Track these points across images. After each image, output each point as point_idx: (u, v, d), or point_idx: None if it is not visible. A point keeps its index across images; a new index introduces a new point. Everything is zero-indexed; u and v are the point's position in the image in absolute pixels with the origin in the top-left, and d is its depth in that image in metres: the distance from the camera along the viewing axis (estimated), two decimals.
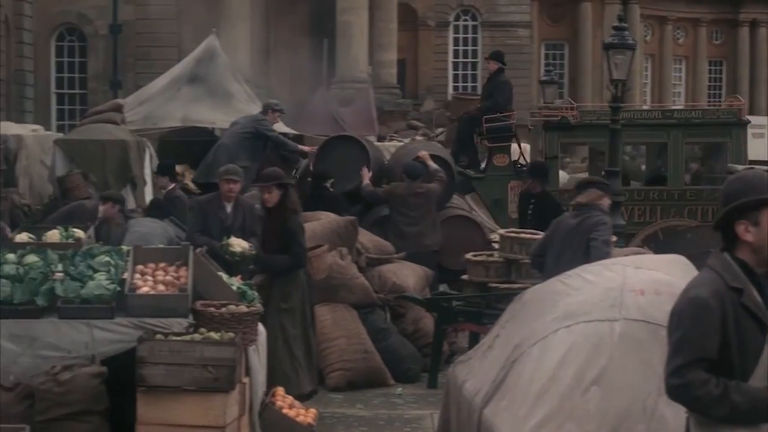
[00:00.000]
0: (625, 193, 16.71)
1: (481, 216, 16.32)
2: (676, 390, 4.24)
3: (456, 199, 15.40)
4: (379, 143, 20.07)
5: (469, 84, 46.40)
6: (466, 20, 46.49)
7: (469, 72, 46.51)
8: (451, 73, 46.34)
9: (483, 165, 17.23)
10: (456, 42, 46.37)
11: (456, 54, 46.38)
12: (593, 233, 9.74)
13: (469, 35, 46.49)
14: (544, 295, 6.53)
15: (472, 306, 11.75)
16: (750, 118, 19.60)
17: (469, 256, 12.30)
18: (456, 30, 46.39)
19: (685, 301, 4.27)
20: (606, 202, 10.32)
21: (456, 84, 46.34)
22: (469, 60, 46.47)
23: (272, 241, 10.21)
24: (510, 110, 16.96)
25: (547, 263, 9.73)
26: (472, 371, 6.69)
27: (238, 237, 10.68)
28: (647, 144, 18.44)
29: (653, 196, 16.59)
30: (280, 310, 9.78)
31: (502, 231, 12.25)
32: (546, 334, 6.01)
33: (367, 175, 14.25)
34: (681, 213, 16.76)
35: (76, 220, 11.97)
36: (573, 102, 19.89)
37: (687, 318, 4.22)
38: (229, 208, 11.24)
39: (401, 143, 18.50)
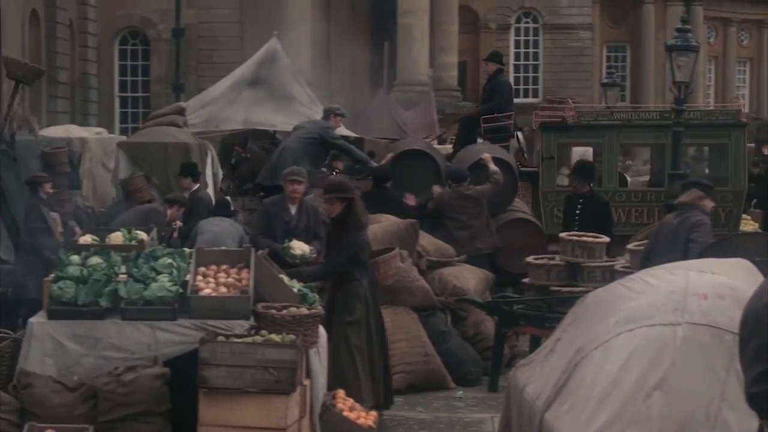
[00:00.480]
0: (623, 194, 16.72)
1: None
2: (759, 398, 4.07)
3: (517, 202, 15.35)
4: (439, 146, 20.06)
5: (530, 87, 46.29)
6: (527, 22, 46.33)
7: (530, 74, 46.36)
8: (512, 75, 46.14)
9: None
10: (517, 44, 46.23)
11: (517, 57, 46.24)
12: (692, 234, 9.75)
13: (530, 38, 46.34)
14: (606, 299, 6.48)
15: (534, 309, 11.71)
16: None
17: (530, 259, 12.25)
18: (517, 32, 46.26)
19: (763, 306, 4.13)
20: (708, 203, 10.32)
21: (517, 86, 46.17)
22: (530, 63, 46.31)
23: (334, 251, 10.08)
24: (510, 111, 16.89)
25: (653, 265, 9.65)
26: (534, 375, 6.66)
27: (301, 239, 10.73)
28: (649, 145, 18.19)
29: (651, 197, 16.40)
30: (344, 322, 9.68)
31: (563, 234, 12.18)
32: (608, 338, 5.97)
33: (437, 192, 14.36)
34: None
35: (152, 222, 12.16)
36: (570, 101, 19.77)
37: (767, 324, 4.08)
38: (293, 210, 11.29)
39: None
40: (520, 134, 21.15)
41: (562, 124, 17.04)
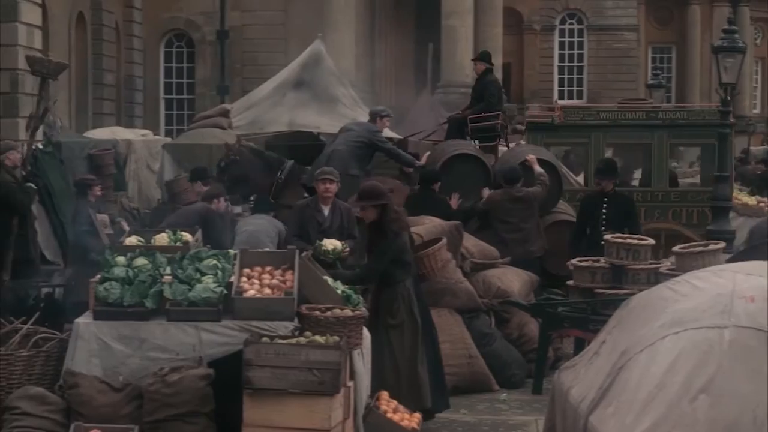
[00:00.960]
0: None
1: None
2: None
3: (562, 204, 15.29)
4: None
5: (575, 88, 46.14)
6: (571, 24, 46.23)
7: (575, 76, 46.25)
8: (556, 77, 46.14)
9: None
10: (562, 46, 46.16)
11: (562, 58, 46.16)
12: None
13: (575, 39, 46.25)
14: (652, 302, 6.44)
15: (578, 312, 11.65)
16: None
17: (574, 261, 12.21)
18: (562, 34, 46.19)
19: None
20: None
21: (561, 88, 46.12)
22: (575, 64, 46.21)
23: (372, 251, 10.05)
24: (501, 110, 16.88)
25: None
26: (578, 377, 6.63)
27: (334, 238, 10.72)
28: (633, 145, 18.07)
29: (635, 198, 16.27)
30: (387, 325, 9.66)
31: (608, 236, 12.12)
32: (653, 340, 5.93)
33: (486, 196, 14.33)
34: (665, 215, 16.45)
35: (209, 223, 12.27)
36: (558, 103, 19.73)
37: None
38: (326, 211, 11.30)
39: (506, 147, 18.42)
40: None
41: (548, 124, 17.03)
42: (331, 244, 10.16)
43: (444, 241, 11.37)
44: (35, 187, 14.32)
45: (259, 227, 13.17)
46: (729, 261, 9.84)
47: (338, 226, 11.40)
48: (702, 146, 17.84)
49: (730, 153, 16.56)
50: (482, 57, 17.72)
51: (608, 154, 16.47)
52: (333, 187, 11.35)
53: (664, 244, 14.29)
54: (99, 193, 14.44)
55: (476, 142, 16.21)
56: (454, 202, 14.33)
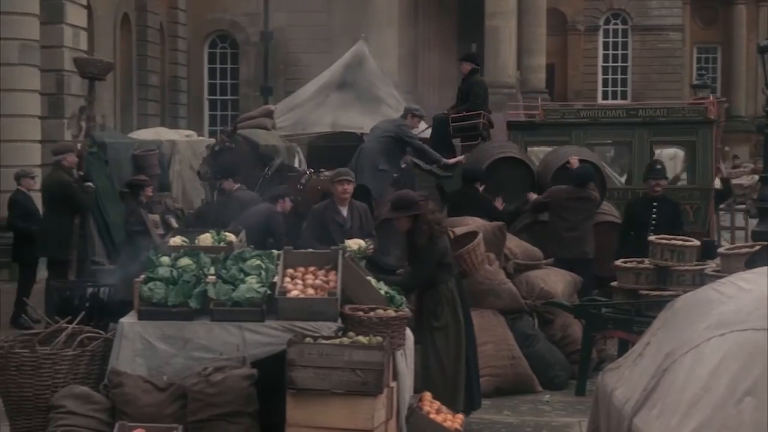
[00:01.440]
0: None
1: None
2: None
3: (605, 205, 15.23)
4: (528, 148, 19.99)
5: (619, 88, 45.93)
6: (616, 24, 46.05)
7: (619, 76, 46.05)
8: (600, 77, 45.97)
9: None
10: (606, 46, 45.99)
11: (606, 58, 45.98)
12: None
13: (619, 39, 46.06)
14: (697, 303, 6.40)
15: (622, 313, 11.61)
16: None
17: (619, 262, 12.15)
18: (606, 34, 46.01)
19: None
20: None
21: (605, 88, 45.94)
22: (619, 64, 46.01)
23: (414, 263, 10.00)
24: (487, 110, 16.93)
25: None
26: (622, 379, 6.59)
27: (356, 238, 10.76)
28: (613, 143, 17.93)
29: (617, 195, 16.12)
30: (431, 327, 9.65)
31: (652, 237, 12.06)
32: (698, 342, 5.89)
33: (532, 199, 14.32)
34: None
35: (272, 222, 12.34)
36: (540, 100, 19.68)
37: None
38: (345, 211, 11.38)
39: (550, 149, 18.39)
40: None
41: (529, 123, 17.07)
42: (355, 243, 10.17)
43: (480, 235, 11.33)
44: (93, 187, 14.50)
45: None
46: (747, 262, 9.76)
47: (358, 225, 11.48)
48: (683, 144, 17.71)
49: (712, 152, 16.40)
50: (468, 57, 17.88)
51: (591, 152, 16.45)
52: (350, 188, 11.44)
53: None
54: (150, 194, 14.61)
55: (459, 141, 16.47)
56: (499, 204, 14.31)
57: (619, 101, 40.30)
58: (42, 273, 15.66)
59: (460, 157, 15.49)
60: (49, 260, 14.39)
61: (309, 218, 11.97)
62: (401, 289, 9.33)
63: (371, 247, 10.78)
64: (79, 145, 15.12)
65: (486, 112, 16.84)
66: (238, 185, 14.97)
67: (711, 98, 17.98)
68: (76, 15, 24.37)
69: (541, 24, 39.46)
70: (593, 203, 14.00)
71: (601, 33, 45.91)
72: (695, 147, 16.36)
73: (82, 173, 14.83)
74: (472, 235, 11.36)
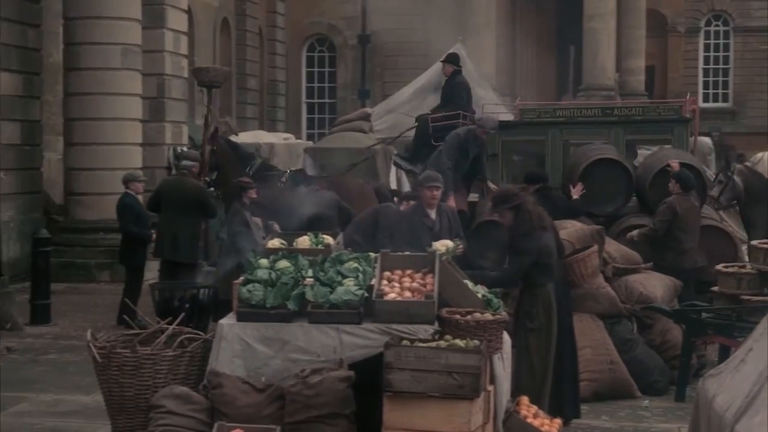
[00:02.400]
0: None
1: (732, 226, 15.91)
2: None
3: (706, 209, 15.03)
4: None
5: (720, 91, 45.33)
6: (717, 25, 45.43)
7: (720, 78, 45.44)
8: (701, 79, 45.39)
9: None
10: (707, 48, 45.39)
11: (707, 60, 45.38)
12: None
13: (720, 41, 45.42)
14: None
15: (723, 318, 11.44)
16: None
17: (720, 267, 11.98)
18: (707, 36, 45.41)
19: None
20: None
21: (706, 91, 45.36)
22: (720, 66, 45.37)
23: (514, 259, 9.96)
24: (470, 111, 17.03)
25: None
26: (723, 385, 6.50)
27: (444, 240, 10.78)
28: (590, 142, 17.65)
29: None
30: (527, 329, 9.61)
31: (754, 242, 11.88)
32: None
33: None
34: None
35: (382, 222, 12.44)
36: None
37: None
38: (433, 214, 11.40)
39: (649, 151, 18.22)
40: (708, 139, 20.71)
41: (506, 122, 17.02)
42: (442, 245, 10.12)
43: (595, 248, 11.26)
44: (215, 192, 14.75)
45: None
46: None
47: (447, 228, 11.48)
48: (658, 143, 17.51)
49: (686, 150, 16.16)
50: (450, 59, 18.01)
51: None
52: (438, 194, 11.49)
53: None
54: (254, 195, 14.77)
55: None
56: (577, 190, 14.14)
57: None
58: (150, 274, 15.92)
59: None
60: (173, 263, 14.58)
61: (398, 223, 12.01)
62: (496, 285, 9.33)
63: (460, 246, 10.76)
64: (205, 153, 15.49)
65: (469, 113, 17.02)
66: (309, 187, 15.17)
67: (687, 97, 17.79)
68: (177, 20, 24.71)
69: (640, 25, 39.05)
70: (699, 210, 13.82)
71: (702, 34, 45.32)
72: (670, 145, 16.28)
73: (207, 179, 15.11)
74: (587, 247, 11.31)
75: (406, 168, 16.76)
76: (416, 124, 17.71)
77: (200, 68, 16.81)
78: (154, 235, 15.14)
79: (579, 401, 10.11)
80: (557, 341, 9.74)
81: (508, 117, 17.75)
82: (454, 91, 17.24)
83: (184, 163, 15.05)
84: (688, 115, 16.59)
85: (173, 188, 15.00)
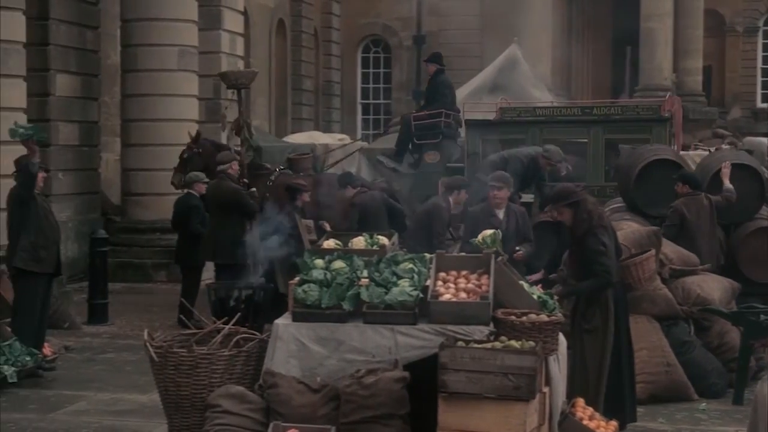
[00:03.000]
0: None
1: None
2: None
3: (765, 210, 14.88)
4: (683, 152, 19.67)
5: None
6: None
7: None
8: (759, 79, 44.96)
9: None
10: (765, 48, 44.95)
11: (765, 60, 44.94)
12: None
13: None
14: None
15: None
16: None
17: None
18: (765, 35, 44.99)
19: None
20: None
21: (765, 91, 44.93)
22: None
23: (575, 260, 9.83)
24: (454, 110, 17.40)
25: None
26: None
27: (512, 242, 10.77)
28: (569, 141, 17.58)
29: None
30: (582, 330, 9.57)
31: None
32: None
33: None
34: None
35: (435, 220, 12.49)
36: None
37: None
38: (501, 214, 11.36)
39: (706, 152, 18.07)
40: (767, 140, 20.45)
41: (485, 121, 17.17)
42: (481, 235, 10.03)
43: (652, 252, 11.20)
44: (256, 193, 14.83)
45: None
46: None
47: (515, 228, 11.45)
48: (637, 142, 17.18)
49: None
50: (433, 59, 18.42)
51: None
52: (501, 194, 11.45)
53: None
54: (307, 199, 14.87)
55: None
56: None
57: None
58: (207, 275, 16.01)
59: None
60: (220, 266, 14.67)
61: (465, 219, 12.02)
62: (598, 290, 9.40)
63: (520, 251, 10.76)
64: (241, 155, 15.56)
65: (453, 112, 17.33)
66: (357, 189, 15.21)
67: (667, 96, 17.74)
68: (233, 21, 24.85)
69: (698, 25, 38.73)
70: (711, 209, 13.71)
71: (760, 34, 44.87)
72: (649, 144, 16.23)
73: (246, 180, 15.17)
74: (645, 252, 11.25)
75: (389, 166, 17.00)
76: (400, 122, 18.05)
77: (226, 73, 17.03)
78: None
79: (636, 404, 10.05)
80: (614, 343, 9.69)
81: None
82: (438, 90, 17.46)
83: (220, 167, 15.17)
84: (666, 115, 16.61)
85: (211, 192, 15.14)
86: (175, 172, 18.05)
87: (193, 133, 17.54)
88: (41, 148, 12.51)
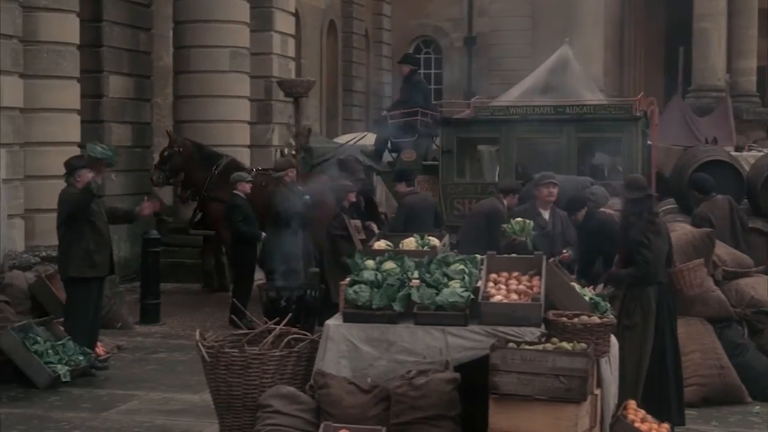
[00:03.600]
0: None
1: None
2: None
3: None
4: (736, 153, 19.50)
5: None
6: None
7: None
8: None
9: None
10: None
11: None
12: None
13: None
14: None
15: None
16: None
17: None
18: None
19: None
20: None
21: None
22: None
23: (622, 252, 9.97)
24: (432, 109, 17.75)
25: None
26: None
27: (557, 245, 10.78)
28: (543, 140, 17.64)
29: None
30: (623, 326, 9.55)
31: None
32: None
33: None
34: None
35: (493, 222, 12.51)
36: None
37: None
38: (546, 215, 11.30)
39: (761, 153, 17.93)
40: None
41: (460, 120, 17.30)
42: (517, 222, 9.99)
43: (701, 261, 11.13)
44: (310, 200, 14.93)
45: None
46: None
47: (560, 230, 11.41)
48: (610, 140, 17.32)
49: (639, 148, 16.35)
50: (407, 60, 19.00)
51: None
52: (555, 191, 11.42)
53: None
54: (353, 199, 14.92)
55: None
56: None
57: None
58: (258, 275, 16.09)
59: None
60: (273, 270, 14.76)
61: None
62: (635, 282, 9.50)
63: (567, 253, 10.74)
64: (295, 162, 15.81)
65: (430, 111, 17.72)
66: (411, 188, 15.23)
67: (640, 96, 17.71)
68: (284, 22, 24.93)
69: (752, 25, 38.34)
70: (731, 209, 13.59)
71: None
72: (620, 143, 16.37)
73: (301, 188, 15.27)
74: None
75: (366, 164, 17.21)
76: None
77: (286, 80, 17.27)
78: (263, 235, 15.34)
79: (683, 406, 9.98)
80: (659, 344, 9.68)
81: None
82: (413, 91, 17.67)
83: (277, 173, 15.34)
84: (638, 114, 16.62)
85: (267, 198, 15.32)
86: (154, 169, 18.56)
87: (171, 133, 18.16)
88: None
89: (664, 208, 14.57)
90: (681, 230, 12.13)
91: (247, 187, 16.00)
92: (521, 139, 16.77)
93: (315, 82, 17.82)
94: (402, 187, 15.24)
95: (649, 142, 17.09)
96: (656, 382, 9.68)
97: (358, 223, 14.91)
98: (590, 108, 17.20)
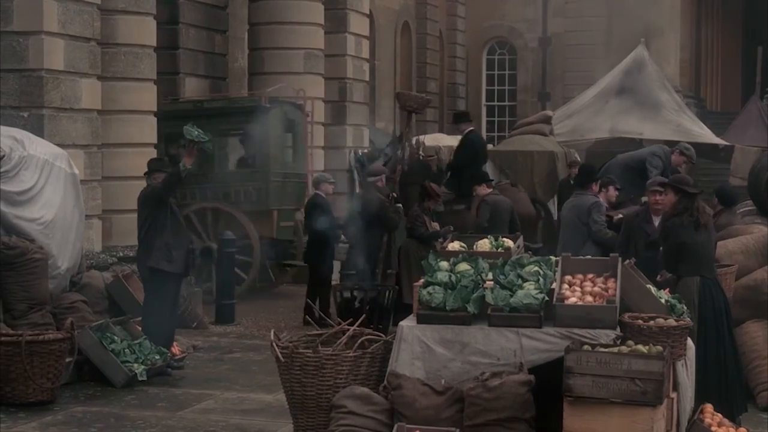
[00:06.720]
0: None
1: None
2: None
3: None
4: None
5: None
6: None
7: None
8: None
9: None
10: None
11: None
12: None
13: None
14: None
15: None
16: None
17: None
18: None
19: None
20: None
21: None
22: None
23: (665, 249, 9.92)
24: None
25: None
26: None
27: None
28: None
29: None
30: None
31: None
32: None
33: None
34: (217, 196, 18.34)
35: (594, 213, 12.51)
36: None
37: None
38: (656, 221, 11.13)
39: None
40: None
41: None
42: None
43: (735, 267, 11.02)
44: (402, 208, 15.02)
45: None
46: None
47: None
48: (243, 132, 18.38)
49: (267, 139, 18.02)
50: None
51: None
52: (662, 198, 11.23)
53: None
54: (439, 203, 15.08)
55: None
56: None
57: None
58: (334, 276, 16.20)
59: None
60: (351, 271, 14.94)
61: (623, 225, 11.91)
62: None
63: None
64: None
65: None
66: (491, 190, 15.24)
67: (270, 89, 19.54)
68: (358, 24, 24.98)
69: None
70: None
71: None
72: (255, 134, 17.52)
73: (395, 195, 15.38)
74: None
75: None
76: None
77: (406, 94, 17.56)
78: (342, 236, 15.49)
79: (745, 407, 9.86)
80: (713, 344, 9.57)
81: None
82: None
83: (369, 179, 15.52)
84: (267, 105, 18.12)
85: (357, 202, 15.55)
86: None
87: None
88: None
89: (741, 210, 14.38)
90: (759, 232, 11.99)
91: (329, 188, 16.13)
92: (169, 135, 17.62)
93: (431, 101, 18.28)
94: (483, 189, 15.27)
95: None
96: (717, 382, 9.57)
97: (435, 224, 14.94)
98: (225, 101, 19.31)
